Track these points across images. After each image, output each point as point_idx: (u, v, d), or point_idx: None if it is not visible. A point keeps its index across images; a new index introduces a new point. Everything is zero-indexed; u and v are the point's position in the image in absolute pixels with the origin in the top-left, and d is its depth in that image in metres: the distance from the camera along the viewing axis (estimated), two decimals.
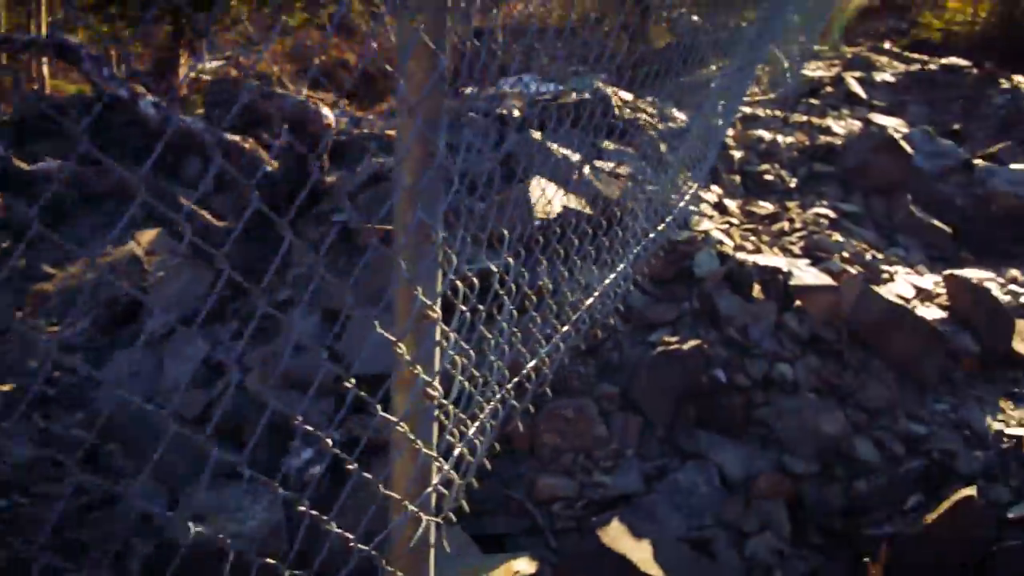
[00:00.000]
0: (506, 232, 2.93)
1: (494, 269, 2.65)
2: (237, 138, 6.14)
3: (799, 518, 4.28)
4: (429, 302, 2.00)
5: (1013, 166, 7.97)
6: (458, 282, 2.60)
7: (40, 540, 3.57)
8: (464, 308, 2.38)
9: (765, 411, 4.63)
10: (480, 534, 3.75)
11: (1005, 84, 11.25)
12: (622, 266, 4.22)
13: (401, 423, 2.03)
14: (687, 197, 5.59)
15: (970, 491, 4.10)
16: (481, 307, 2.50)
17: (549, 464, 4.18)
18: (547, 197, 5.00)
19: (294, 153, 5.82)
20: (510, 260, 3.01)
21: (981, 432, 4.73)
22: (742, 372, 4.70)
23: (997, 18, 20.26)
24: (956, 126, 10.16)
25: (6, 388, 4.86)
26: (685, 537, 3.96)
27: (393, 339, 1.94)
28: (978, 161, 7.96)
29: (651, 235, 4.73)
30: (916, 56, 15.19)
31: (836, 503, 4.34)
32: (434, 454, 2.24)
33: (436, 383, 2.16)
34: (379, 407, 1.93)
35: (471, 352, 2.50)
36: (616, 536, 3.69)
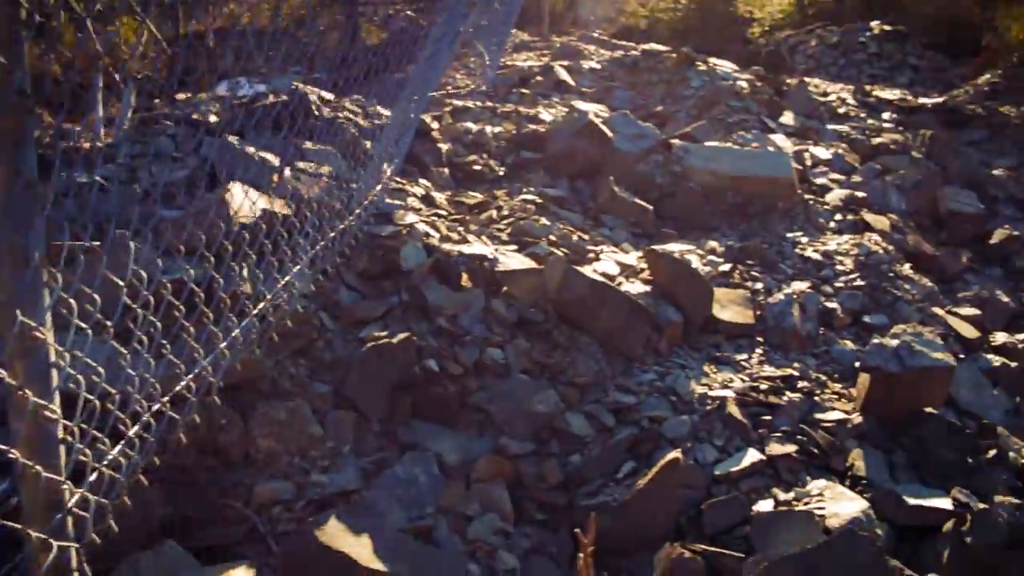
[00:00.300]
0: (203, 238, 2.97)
1: (188, 277, 2.69)
2: None
3: (519, 497, 4.51)
4: (33, 323, 2.00)
5: (707, 144, 8.63)
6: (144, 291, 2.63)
7: None
8: (84, 324, 2.37)
9: (480, 396, 4.86)
10: (200, 547, 3.74)
11: (702, 67, 12.10)
12: (297, 267, 4.32)
13: (13, 451, 2.03)
14: (378, 187, 5.75)
15: (676, 454, 4.47)
16: (108, 322, 2.50)
17: (265, 469, 4.22)
18: (244, 201, 5.02)
19: None
20: (190, 269, 3.05)
21: (687, 397, 5.15)
22: (454, 360, 4.91)
23: (696, 5, 21.71)
24: (659, 108, 10.86)
25: None
26: (406, 528, 4.09)
27: None
28: (675, 140, 8.56)
29: (339, 229, 4.86)
30: (622, 43, 16.08)
31: (554, 478, 4.61)
32: (60, 477, 2.24)
33: (55, 404, 2.15)
34: None
35: (100, 369, 2.51)
36: (334, 534, 3.77)
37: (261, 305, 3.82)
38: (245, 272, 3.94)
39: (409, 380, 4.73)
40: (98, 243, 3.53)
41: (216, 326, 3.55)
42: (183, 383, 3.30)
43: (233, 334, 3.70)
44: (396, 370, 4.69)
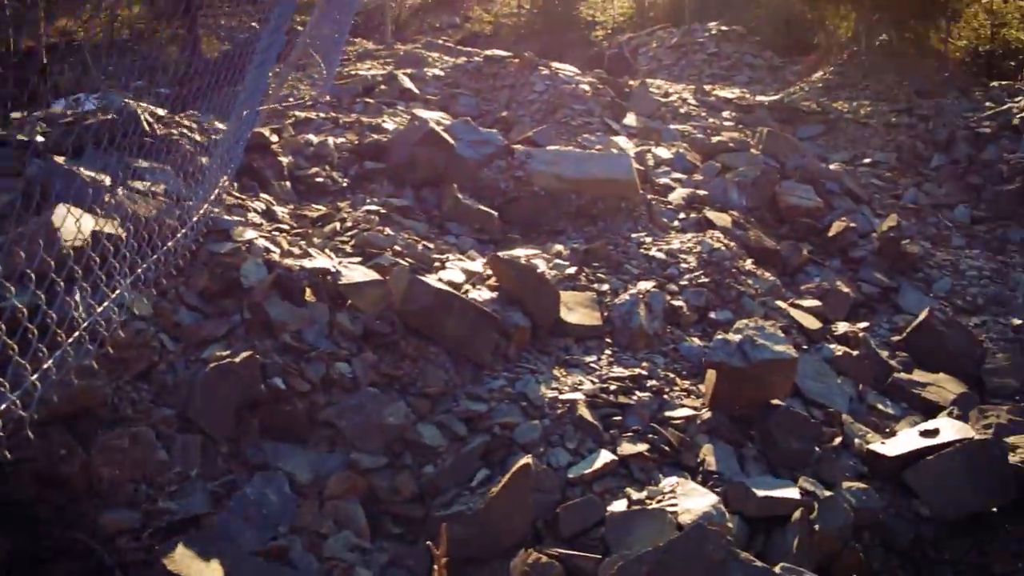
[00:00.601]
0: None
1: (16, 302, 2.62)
2: None
3: (374, 512, 4.54)
4: None
5: (550, 148, 8.79)
6: None
7: None
8: None
9: (329, 412, 4.86)
10: None
11: (545, 71, 12.30)
12: (116, 291, 4.24)
13: None
14: (212, 198, 5.69)
15: (528, 459, 4.57)
16: None
17: (110, 498, 4.14)
18: (76, 223, 4.90)
19: None
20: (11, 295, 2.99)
21: (537, 401, 5.25)
22: (300, 376, 4.90)
23: (539, 9, 22.06)
24: (504, 113, 11.00)
25: None
26: (259, 550, 4.06)
27: None
28: (518, 146, 8.70)
29: (166, 246, 4.80)
30: (466, 49, 16.22)
31: (408, 491, 4.65)
32: None
33: None
34: None
35: None
36: (183, 561, 3.75)
37: (85, 324, 3.74)
38: (77, 296, 3.85)
39: (255, 399, 4.69)
40: None
41: (48, 349, 3.47)
42: (6, 403, 3.21)
43: (57, 353, 3.60)
44: (241, 389, 4.65)
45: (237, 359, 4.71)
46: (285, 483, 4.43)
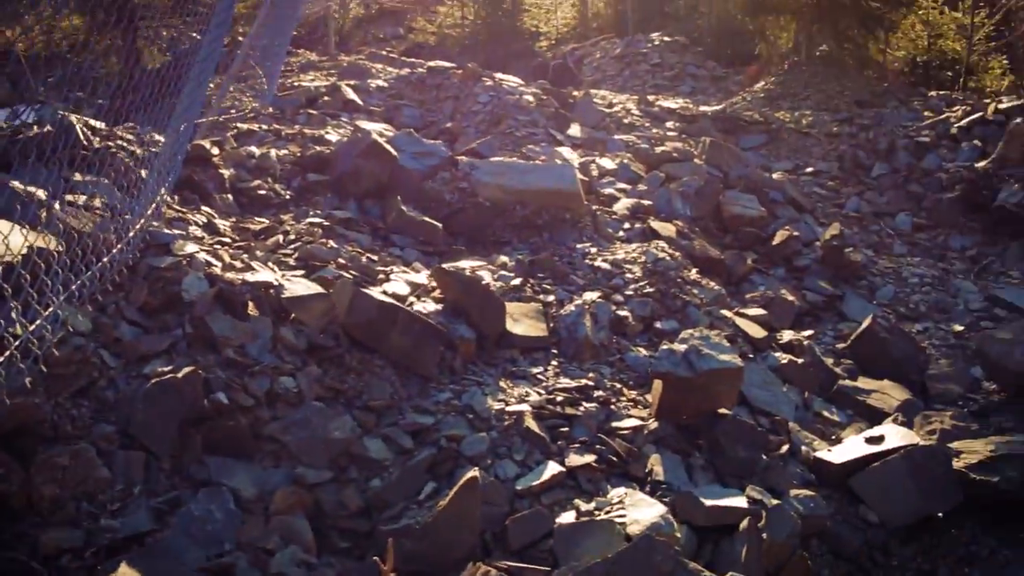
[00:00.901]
0: None
1: None
2: None
3: (321, 526, 4.51)
4: None
5: (494, 159, 8.82)
6: None
7: None
8: None
9: (273, 427, 4.83)
10: None
11: (489, 82, 12.34)
12: (51, 308, 4.19)
13: None
14: (148, 213, 5.64)
15: (475, 472, 4.57)
16: None
17: (51, 517, 4.07)
18: (3, 239, 4.82)
19: None
20: None
21: (484, 413, 5.26)
22: (244, 391, 4.86)
23: (483, 20, 22.12)
24: (448, 124, 11.01)
25: None
26: (205, 567, 4.02)
27: None
28: (462, 157, 8.72)
29: (103, 260, 4.75)
30: (409, 60, 16.22)
31: (354, 505, 4.63)
32: None
33: None
34: None
35: None
36: None
37: (16, 342, 3.69)
38: (14, 313, 3.79)
39: (198, 414, 4.65)
40: None
41: None
42: None
43: None
44: (184, 405, 4.61)
45: (179, 374, 4.66)
46: (230, 499, 4.38)
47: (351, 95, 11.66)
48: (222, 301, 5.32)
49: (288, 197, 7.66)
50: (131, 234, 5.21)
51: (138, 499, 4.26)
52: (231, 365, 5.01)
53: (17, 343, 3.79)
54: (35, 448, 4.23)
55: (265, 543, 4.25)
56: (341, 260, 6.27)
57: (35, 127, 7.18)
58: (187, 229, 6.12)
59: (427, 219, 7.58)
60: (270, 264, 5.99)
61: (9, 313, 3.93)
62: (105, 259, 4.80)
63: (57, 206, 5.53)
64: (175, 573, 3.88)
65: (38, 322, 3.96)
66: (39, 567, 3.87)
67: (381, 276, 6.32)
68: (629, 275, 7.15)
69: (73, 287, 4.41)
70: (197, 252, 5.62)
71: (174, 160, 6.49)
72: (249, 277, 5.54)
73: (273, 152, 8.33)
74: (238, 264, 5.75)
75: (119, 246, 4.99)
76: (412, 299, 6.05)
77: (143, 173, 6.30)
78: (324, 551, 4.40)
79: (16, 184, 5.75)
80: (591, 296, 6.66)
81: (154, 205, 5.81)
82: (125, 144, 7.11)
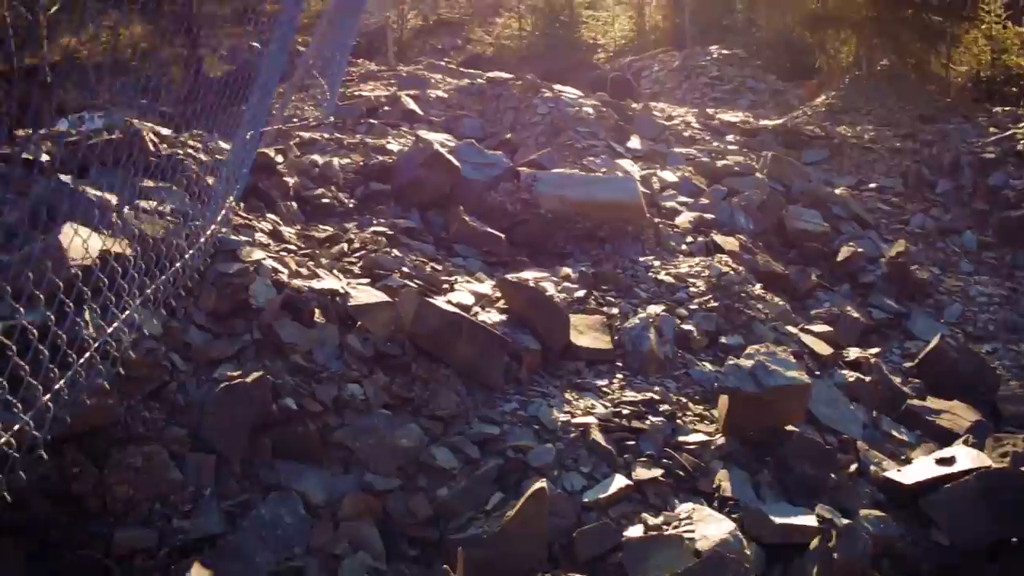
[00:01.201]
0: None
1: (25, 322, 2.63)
2: None
3: (389, 533, 4.52)
4: None
5: (555, 170, 8.82)
6: None
7: None
8: None
9: (342, 433, 4.85)
10: None
11: (548, 94, 12.36)
12: (127, 312, 4.25)
13: None
14: (219, 219, 5.70)
15: (542, 483, 4.54)
16: None
17: (125, 517, 4.14)
18: (83, 242, 4.90)
19: None
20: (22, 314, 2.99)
21: (550, 425, 5.25)
22: (312, 397, 4.89)
23: (540, 32, 22.17)
24: (508, 135, 11.04)
25: None
26: (275, 570, 4.06)
27: None
28: (523, 168, 8.73)
29: (176, 266, 4.81)
30: (469, 71, 16.29)
31: (422, 514, 4.63)
32: None
33: None
34: None
35: None
36: None
37: (96, 344, 3.74)
38: (87, 315, 3.85)
39: (267, 419, 4.69)
40: None
41: (59, 369, 3.47)
42: (18, 425, 3.20)
43: (68, 373, 3.60)
44: (253, 410, 4.65)
45: (249, 379, 4.71)
46: (299, 504, 4.42)
47: (411, 105, 11.75)
48: (289, 308, 5.36)
49: (351, 206, 7.72)
50: (202, 240, 5.27)
51: (209, 501, 4.31)
52: (299, 371, 5.04)
53: (96, 345, 3.84)
54: (108, 449, 4.29)
55: (334, 549, 4.27)
56: (405, 269, 6.30)
57: (104, 133, 7.30)
58: (253, 236, 6.19)
59: (490, 229, 7.60)
60: (335, 272, 6.04)
61: (85, 315, 4.00)
62: (177, 264, 4.86)
63: (128, 211, 5.62)
64: (246, 575, 3.91)
65: (116, 324, 4.01)
66: (113, 566, 3.93)
67: (445, 286, 6.34)
68: (693, 289, 7.12)
69: (148, 291, 4.47)
70: (264, 259, 5.67)
71: (241, 169, 6.56)
72: (315, 284, 5.59)
73: (336, 161, 8.41)
74: (304, 271, 5.80)
75: (191, 251, 5.05)
76: (476, 309, 6.06)
77: (210, 180, 6.38)
78: (392, 558, 4.41)
79: (90, 189, 5.85)
80: (655, 309, 6.64)
81: (224, 212, 5.88)
82: (192, 152, 7.21)
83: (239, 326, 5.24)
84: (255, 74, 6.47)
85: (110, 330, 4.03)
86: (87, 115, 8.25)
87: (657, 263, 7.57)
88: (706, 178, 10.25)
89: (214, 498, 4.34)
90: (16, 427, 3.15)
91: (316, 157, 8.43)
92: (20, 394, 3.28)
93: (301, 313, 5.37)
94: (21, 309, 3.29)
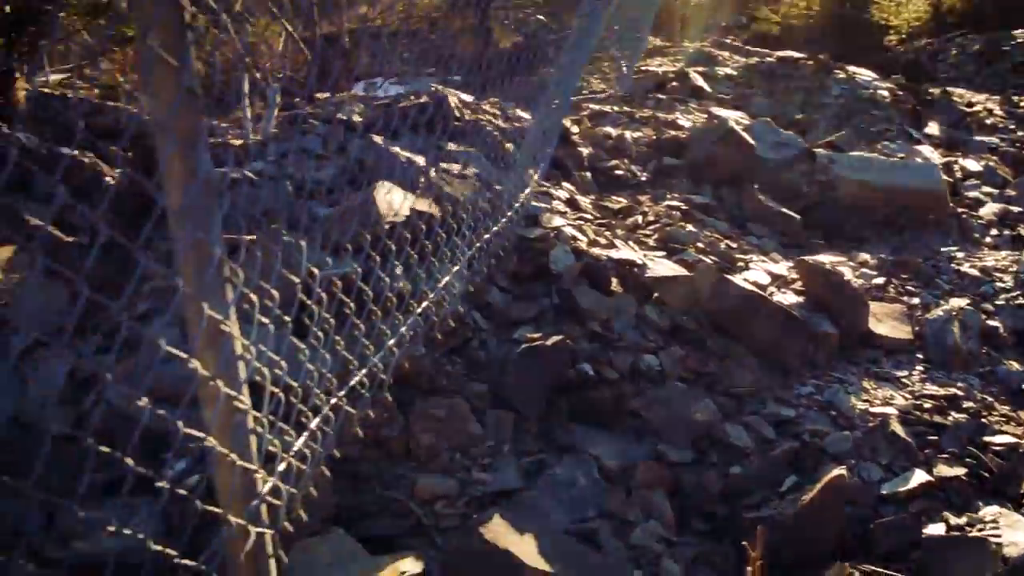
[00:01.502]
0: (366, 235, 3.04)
1: (352, 272, 2.78)
2: (75, 153, 6.10)
3: (680, 505, 4.52)
4: (220, 316, 2.08)
5: (853, 153, 8.53)
6: (317, 288, 2.72)
7: None
8: (266, 320, 2.45)
9: (637, 402, 4.88)
10: (366, 537, 3.85)
11: (841, 74, 11.97)
12: (456, 267, 4.41)
13: (210, 437, 2.11)
14: (527, 191, 5.82)
15: (841, 470, 4.43)
16: (287, 317, 2.57)
17: (427, 464, 4.32)
18: (394, 200, 5.14)
19: (138, 166, 5.78)
20: (356, 267, 3.15)
21: (847, 412, 5.09)
22: (608, 365, 4.94)
23: (828, 12, 21.45)
24: (798, 116, 10.77)
25: None
26: (569, 529, 4.13)
27: (185, 356, 2.01)
28: (819, 149, 8.49)
29: (493, 231, 4.94)
30: (756, 49, 15.98)
31: (714, 489, 4.61)
32: (253, 466, 2.32)
33: (245, 395, 2.23)
34: (180, 424, 2.00)
35: (282, 362, 2.58)
36: (499, 532, 3.84)
37: (424, 304, 3.91)
38: (399, 270, 4.02)
39: (564, 383, 4.78)
40: (252, 237, 3.68)
41: (383, 323, 3.65)
42: (356, 378, 3.39)
43: (401, 331, 3.79)
44: (551, 372, 4.75)
45: (548, 342, 4.81)
46: (593, 467, 4.48)
47: (699, 81, 11.63)
48: (588, 275, 5.44)
49: (644, 179, 7.73)
50: (516, 205, 5.42)
51: (507, 457, 4.43)
52: (596, 338, 5.11)
53: (432, 296, 4.01)
54: (414, 399, 4.49)
55: (626, 514, 4.30)
56: (700, 244, 6.27)
57: (411, 97, 7.62)
58: (551, 203, 6.30)
59: (784, 210, 7.45)
60: (630, 243, 6.07)
61: (394, 271, 4.19)
62: (496, 227, 5.01)
63: (433, 173, 5.84)
64: (543, 531, 3.99)
65: (447, 279, 4.18)
66: (416, 508, 4.11)
67: (740, 263, 6.26)
68: (999, 284, 6.73)
69: (472, 250, 4.63)
70: (564, 226, 5.77)
71: (547, 139, 6.67)
72: (613, 254, 5.64)
73: (628, 134, 8.44)
74: (602, 240, 5.86)
75: (509, 214, 5.19)
76: (772, 289, 5.96)
77: (508, 147, 6.54)
78: (683, 530, 4.41)
79: (399, 151, 6.11)
80: (959, 302, 6.32)
81: (532, 180, 6.01)
82: (491, 118, 7.41)
83: (538, 290, 5.36)
84: (574, 38, 6.55)
85: (444, 282, 4.21)
86: (380, 81, 8.61)
87: (960, 254, 7.20)
88: (1012, 168, 9.65)
89: (511, 454, 4.47)
90: (368, 367, 3.32)
91: (609, 129, 8.49)
92: (373, 336, 3.49)
93: (599, 281, 5.43)
94: (356, 265, 3.47)
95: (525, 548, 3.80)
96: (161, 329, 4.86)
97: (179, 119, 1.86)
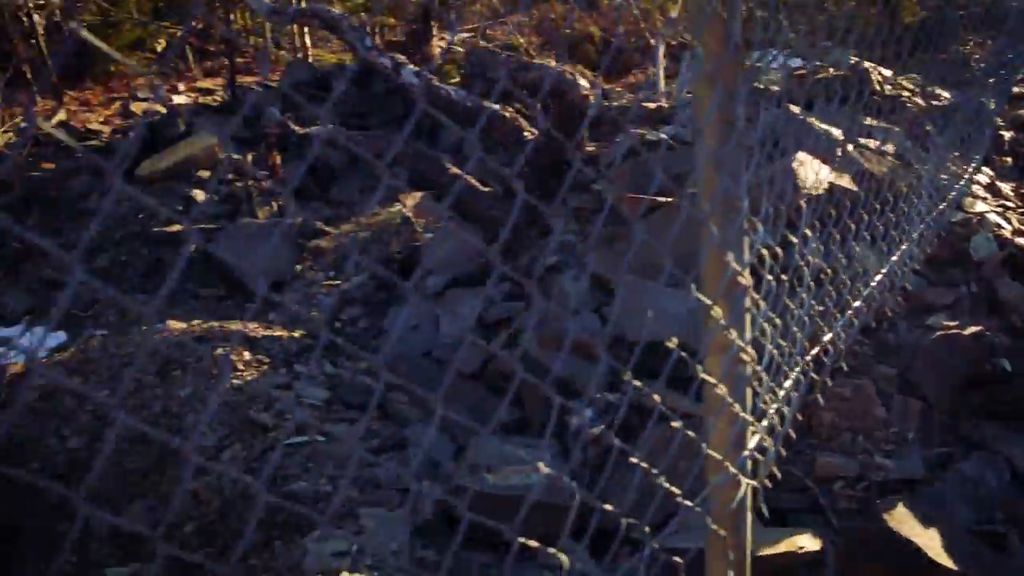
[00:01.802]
0: (802, 205, 3.01)
1: (794, 240, 2.76)
2: (497, 107, 6.43)
3: None
4: (739, 268, 2.10)
5: None
6: (763, 251, 2.74)
7: (338, 474, 3.93)
8: (770, 277, 2.47)
9: None
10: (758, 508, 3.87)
11: None
12: (905, 246, 4.26)
13: (720, 385, 2.14)
14: (963, 181, 5.54)
15: None
16: (784, 277, 2.58)
17: (827, 442, 4.27)
18: (814, 172, 5.06)
19: (555, 122, 6.04)
20: (808, 233, 3.12)
21: None
22: None
23: None
24: None
25: (296, 334, 5.30)
26: (976, 530, 3.95)
27: (709, 303, 2.03)
28: None
29: (932, 216, 4.75)
30: None
31: None
32: (750, 418, 2.35)
33: (749, 348, 2.25)
34: (699, 367, 2.04)
35: (777, 321, 2.60)
36: (902, 520, 3.74)
37: (878, 278, 3.83)
38: (858, 248, 3.95)
39: (979, 376, 4.55)
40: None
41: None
42: (822, 345, 3.36)
43: (856, 304, 3.70)
44: (965, 364, 4.54)
45: (965, 332, 4.60)
46: (1005, 469, 4.26)
47: None
48: (1011, 265, 5.14)
49: None
50: (957, 187, 5.20)
51: (912, 446, 4.29)
52: (1014, 332, 4.82)
53: (879, 277, 3.91)
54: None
55: None
56: None
57: (831, 69, 7.46)
58: (971, 187, 5.99)
59: None
60: None
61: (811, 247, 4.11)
62: (940, 207, 4.82)
63: (851, 147, 5.70)
64: (947, 526, 3.86)
65: (894, 258, 4.06)
66: (813, 486, 4.07)
67: None
68: None
69: (920, 229, 4.47)
70: (987, 212, 5.48)
71: (981, 129, 6.30)
72: None
73: None
74: None
75: (950, 197, 4.98)
76: None
77: (928, 127, 6.25)
78: None
79: (815, 122, 6.01)
80: None
81: (970, 168, 5.71)
82: (909, 95, 7.13)
83: (956, 276, 5.13)
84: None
85: (895, 256, 4.10)
86: (775, 52, 8.43)
87: None
88: None
89: (916, 444, 4.31)
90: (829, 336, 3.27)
91: None
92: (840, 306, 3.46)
93: (1022, 272, 5.13)
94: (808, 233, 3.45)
95: (929, 541, 3.68)
96: (570, 283, 5.10)
97: (725, 71, 1.92)
